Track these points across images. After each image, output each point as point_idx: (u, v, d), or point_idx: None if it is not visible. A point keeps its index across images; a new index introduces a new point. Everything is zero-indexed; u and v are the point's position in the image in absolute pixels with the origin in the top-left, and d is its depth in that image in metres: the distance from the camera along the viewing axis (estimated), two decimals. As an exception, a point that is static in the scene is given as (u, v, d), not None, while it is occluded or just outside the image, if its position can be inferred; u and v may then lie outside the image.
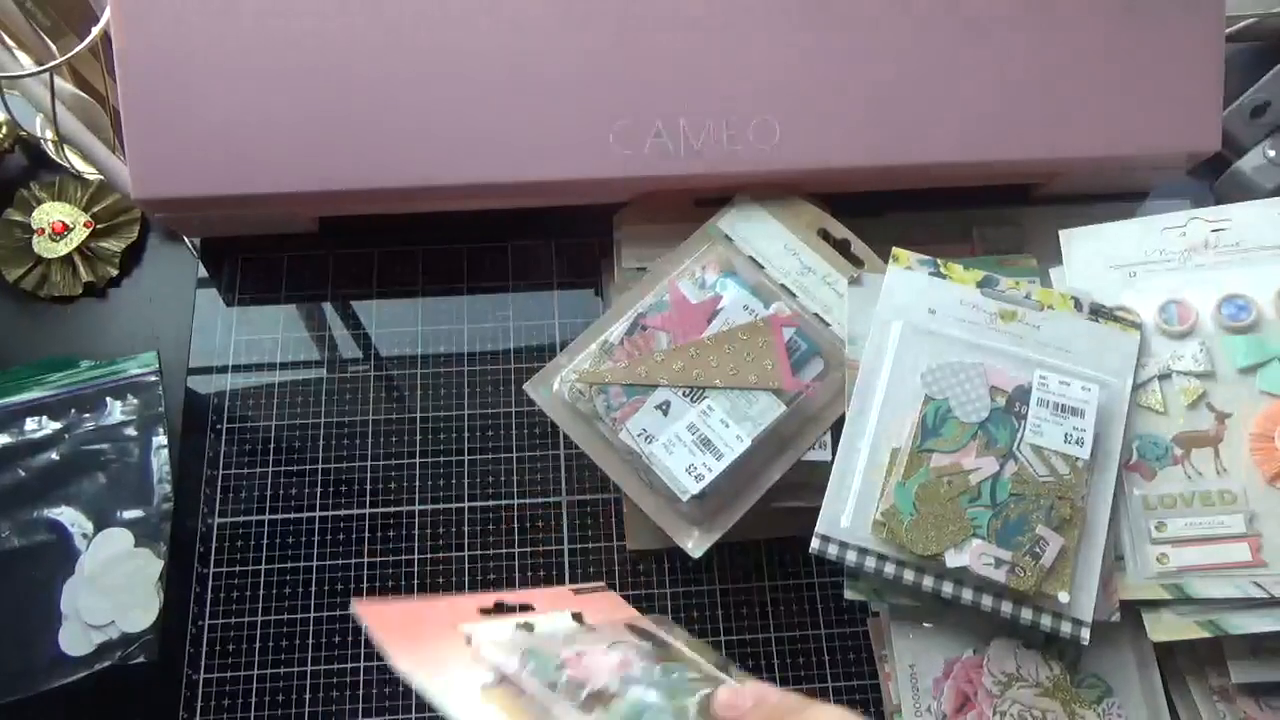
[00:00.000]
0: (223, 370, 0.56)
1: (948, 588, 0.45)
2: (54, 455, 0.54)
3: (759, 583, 0.52)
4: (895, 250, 0.51)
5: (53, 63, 0.52)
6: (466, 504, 0.53)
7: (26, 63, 0.57)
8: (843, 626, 0.51)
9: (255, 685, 0.49)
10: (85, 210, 0.60)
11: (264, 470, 0.54)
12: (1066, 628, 0.44)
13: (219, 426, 0.55)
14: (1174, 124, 0.53)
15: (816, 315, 0.51)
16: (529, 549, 0.52)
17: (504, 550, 0.52)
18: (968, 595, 0.45)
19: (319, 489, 0.53)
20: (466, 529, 0.53)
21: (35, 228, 0.59)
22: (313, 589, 0.51)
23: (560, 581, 0.52)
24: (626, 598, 0.51)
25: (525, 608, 0.40)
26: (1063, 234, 0.53)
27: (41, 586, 0.51)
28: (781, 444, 0.49)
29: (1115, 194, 0.59)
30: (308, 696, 0.49)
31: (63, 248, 0.58)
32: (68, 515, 0.53)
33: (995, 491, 0.45)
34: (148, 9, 0.49)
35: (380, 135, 0.50)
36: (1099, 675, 0.47)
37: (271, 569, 0.52)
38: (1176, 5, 0.52)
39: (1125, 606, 0.46)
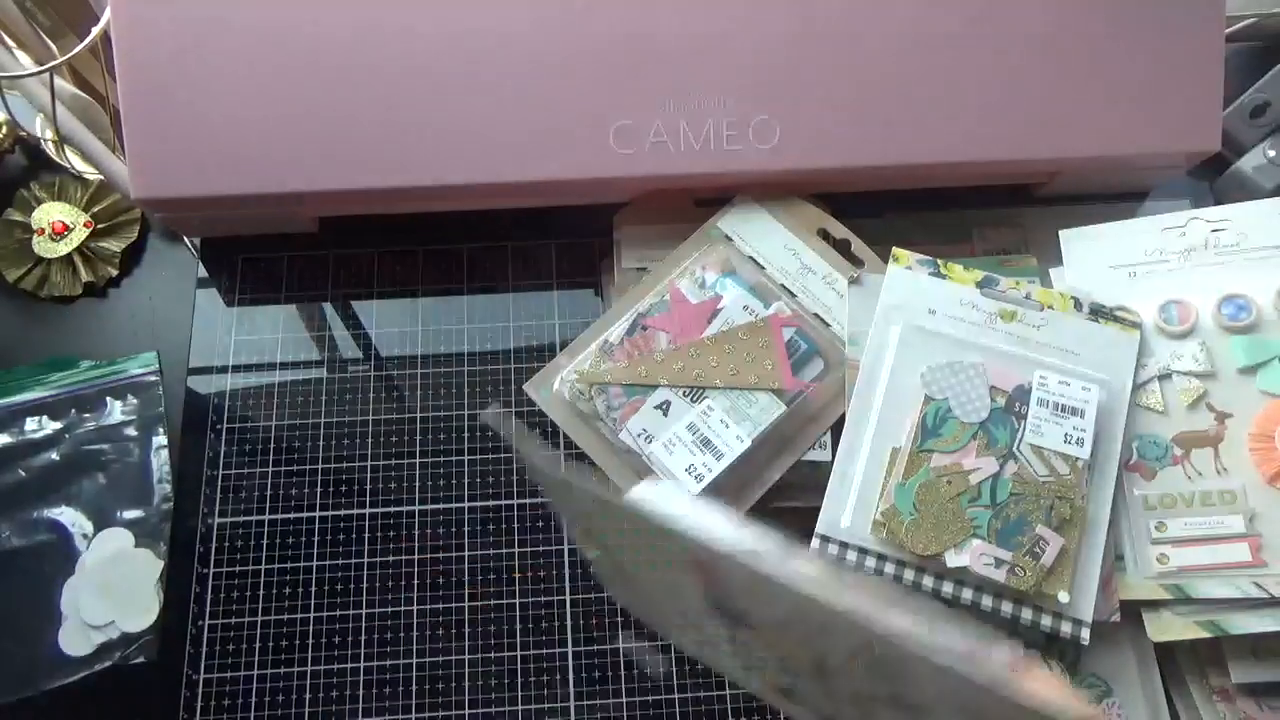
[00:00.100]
0: (223, 370, 0.56)
1: (948, 588, 0.45)
2: (54, 455, 0.54)
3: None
4: (895, 250, 0.51)
5: (53, 63, 0.52)
6: (466, 504, 0.53)
7: (26, 63, 0.57)
8: (843, 626, 0.51)
9: (255, 685, 0.50)
10: (85, 210, 0.60)
11: (264, 470, 0.54)
12: (1066, 628, 0.44)
13: (219, 426, 0.55)
14: (1174, 124, 0.53)
15: (816, 315, 0.51)
16: (529, 549, 0.52)
17: (504, 550, 0.52)
18: (968, 595, 0.45)
19: (319, 489, 0.53)
20: (466, 529, 0.53)
21: (35, 228, 0.59)
22: (313, 589, 0.51)
23: (560, 581, 0.52)
24: (626, 598, 0.51)
25: None
26: (1063, 234, 0.53)
27: (41, 586, 0.51)
28: (781, 444, 0.49)
29: (1115, 194, 0.59)
30: (308, 696, 0.49)
31: (63, 248, 0.58)
32: (68, 515, 0.53)
33: (995, 491, 0.45)
34: (148, 9, 0.49)
35: (380, 135, 0.50)
36: (1099, 675, 0.47)
37: (271, 569, 0.52)
38: (1176, 5, 0.52)
39: (1125, 606, 0.46)
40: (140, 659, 0.50)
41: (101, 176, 0.59)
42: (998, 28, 0.52)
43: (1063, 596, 0.44)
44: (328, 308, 0.58)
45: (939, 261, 0.51)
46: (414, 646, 0.50)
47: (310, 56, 0.50)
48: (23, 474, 0.53)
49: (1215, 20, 0.52)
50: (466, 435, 0.55)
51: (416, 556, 0.52)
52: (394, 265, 0.59)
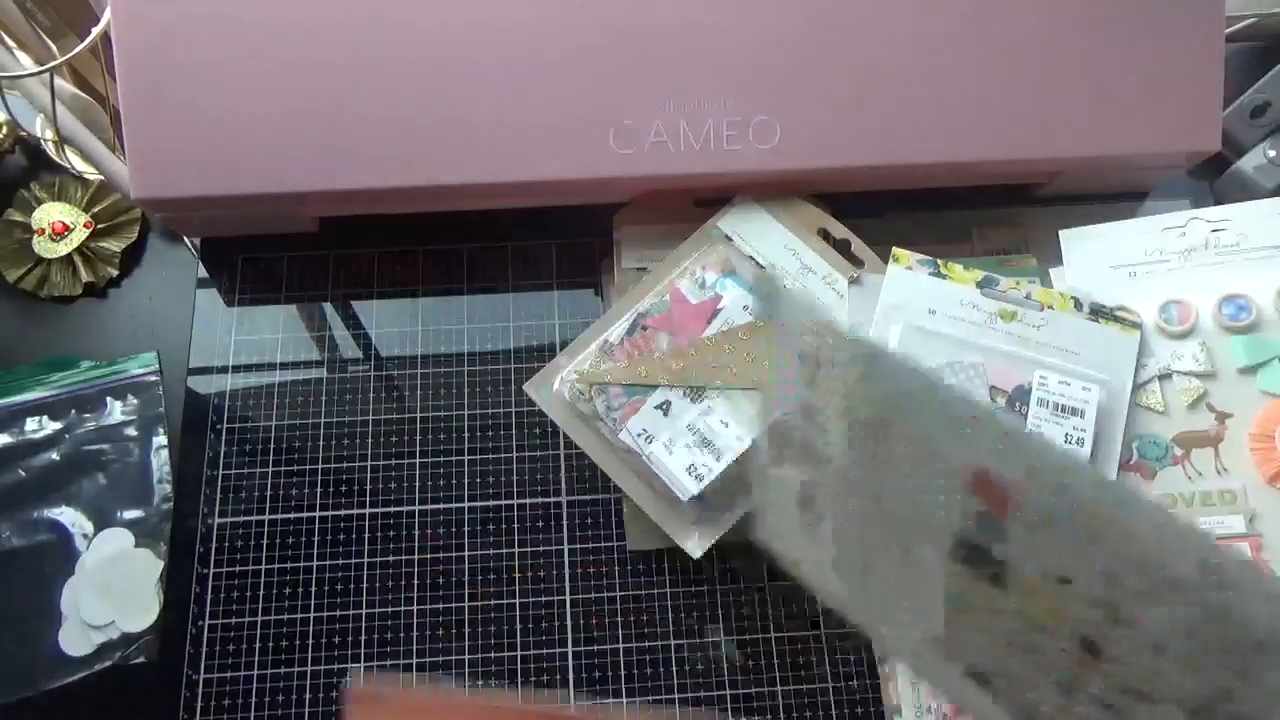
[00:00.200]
0: (223, 370, 0.56)
1: (948, 588, 0.45)
2: (54, 455, 0.54)
3: (759, 583, 0.52)
4: (895, 250, 0.51)
5: (53, 63, 0.52)
6: (466, 504, 0.53)
7: (26, 63, 0.57)
8: (843, 627, 0.51)
9: (255, 685, 0.49)
10: (85, 210, 0.60)
11: (264, 470, 0.54)
12: (1066, 628, 0.44)
13: (219, 426, 0.55)
14: (1174, 124, 0.53)
15: (816, 315, 0.51)
16: (529, 549, 0.52)
17: (504, 550, 0.52)
18: (968, 595, 0.45)
19: (319, 489, 0.53)
20: (466, 529, 0.53)
21: (35, 228, 0.59)
22: (313, 589, 0.51)
23: (560, 581, 0.52)
24: (626, 597, 0.51)
25: None
26: (1063, 234, 0.53)
27: (41, 586, 0.51)
28: (781, 444, 0.49)
29: (1115, 194, 0.59)
30: (308, 696, 0.49)
31: (63, 248, 0.58)
32: (68, 515, 0.53)
33: (995, 491, 0.45)
34: (148, 9, 0.49)
35: (381, 135, 0.50)
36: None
37: (271, 569, 0.52)
38: (1176, 5, 0.52)
39: (1125, 606, 0.46)
40: (140, 659, 0.50)
41: (101, 176, 0.59)
42: (997, 27, 0.52)
43: (1063, 596, 0.44)
44: (328, 308, 0.58)
45: (939, 261, 0.51)
46: (414, 646, 0.50)
47: (310, 56, 0.50)
48: (23, 474, 0.53)
49: (1215, 20, 0.52)
50: (466, 435, 0.55)
51: (416, 556, 0.52)
52: (394, 265, 0.59)
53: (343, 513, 0.53)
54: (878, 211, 0.57)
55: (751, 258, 0.52)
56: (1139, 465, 0.48)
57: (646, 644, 0.51)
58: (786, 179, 0.53)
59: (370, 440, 0.55)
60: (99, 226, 0.59)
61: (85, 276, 0.58)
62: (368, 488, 0.54)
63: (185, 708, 0.49)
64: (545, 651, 0.50)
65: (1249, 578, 0.24)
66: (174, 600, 0.51)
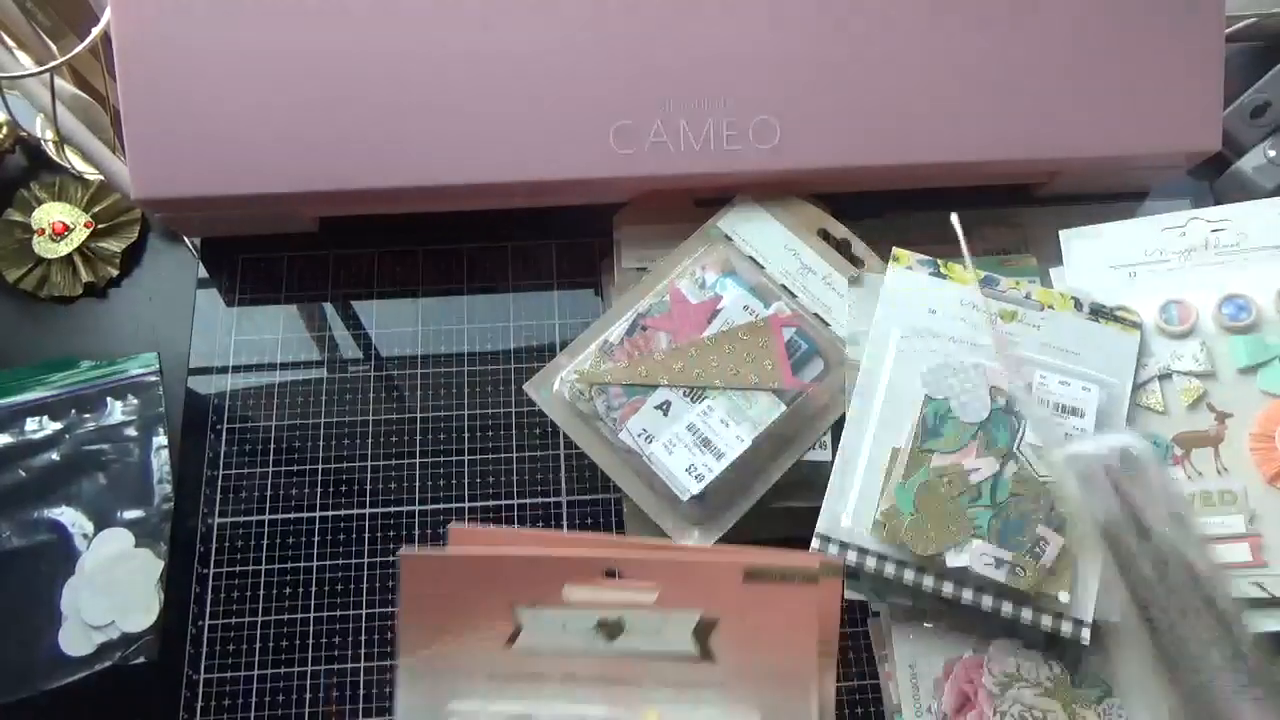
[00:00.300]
0: (223, 370, 0.56)
1: (948, 588, 0.45)
2: (54, 455, 0.54)
3: (759, 583, 0.52)
4: (895, 250, 0.51)
5: (53, 63, 0.52)
6: (466, 504, 0.53)
7: (26, 63, 0.57)
8: (843, 626, 0.51)
9: (255, 685, 0.49)
10: (85, 210, 0.60)
11: (264, 470, 0.54)
12: (1067, 628, 0.44)
13: (219, 427, 0.55)
14: (1174, 124, 0.53)
15: (816, 315, 0.51)
16: (529, 549, 0.52)
17: (504, 550, 0.52)
18: (968, 595, 0.45)
19: (319, 489, 0.53)
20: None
21: (35, 228, 0.59)
22: (313, 589, 0.51)
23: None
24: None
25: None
26: (1063, 234, 0.53)
27: (41, 586, 0.51)
28: (781, 444, 0.49)
29: (1115, 194, 0.59)
30: (308, 696, 0.49)
31: (63, 248, 0.58)
32: (68, 515, 0.53)
33: (995, 491, 0.45)
34: (148, 10, 0.49)
35: (380, 135, 0.50)
36: (1099, 675, 0.46)
37: (271, 569, 0.52)
38: (1176, 5, 0.52)
39: (1125, 606, 0.46)
40: (140, 659, 0.50)
41: (101, 176, 0.59)
42: (997, 28, 0.52)
43: (1063, 596, 0.44)
44: (328, 308, 0.58)
45: (939, 261, 0.51)
46: (414, 646, 0.50)
47: (310, 57, 0.50)
48: (23, 474, 0.53)
49: (1215, 20, 0.52)
50: (466, 435, 0.55)
51: (416, 556, 0.52)
52: (394, 265, 0.59)
53: (343, 513, 0.53)
54: (878, 211, 0.57)
55: (751, 258, 0.53)
56: (1139, 465, 0.48)
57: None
58: (786, 179, 0.53)
59: (370, 440, 0.55)
60: (99, 226, 0.59)
61: (85, 276, 0.58)
62: (368, 488, 0.54)
63: (185, 708, 0.49)
64: (545, 651, 0.50)
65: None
66: (174, 600, 0.51)
